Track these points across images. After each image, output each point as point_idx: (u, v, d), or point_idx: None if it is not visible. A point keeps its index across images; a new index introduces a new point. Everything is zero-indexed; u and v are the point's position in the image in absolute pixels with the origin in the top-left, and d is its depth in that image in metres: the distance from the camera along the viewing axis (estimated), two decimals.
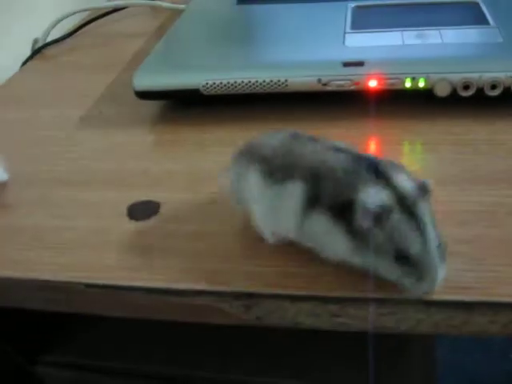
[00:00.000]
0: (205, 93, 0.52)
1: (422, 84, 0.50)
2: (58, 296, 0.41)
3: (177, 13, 0.75)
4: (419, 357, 0.56)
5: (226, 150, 0.49)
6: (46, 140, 0.55)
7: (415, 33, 0.55)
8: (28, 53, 0.75)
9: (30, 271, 0.40)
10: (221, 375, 0.52)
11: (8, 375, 0.56)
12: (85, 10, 0.83)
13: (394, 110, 0.52)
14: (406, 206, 0.32)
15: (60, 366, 0.55)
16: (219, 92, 0.52)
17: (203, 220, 0.42)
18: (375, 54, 0.52)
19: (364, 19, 0.60)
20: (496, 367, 1.21)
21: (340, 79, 0.50)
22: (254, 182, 0.38)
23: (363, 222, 0.33)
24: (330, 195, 0.34)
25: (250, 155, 0.39)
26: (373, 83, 0.50)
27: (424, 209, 0.33)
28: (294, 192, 0.36)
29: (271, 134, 0.39)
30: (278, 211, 0.37)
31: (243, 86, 0.52)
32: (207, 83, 0.52)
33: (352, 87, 0.50)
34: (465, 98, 0.50)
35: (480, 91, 0.50)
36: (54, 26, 0.77)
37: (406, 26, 0.57)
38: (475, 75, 0.49)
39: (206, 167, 0.48)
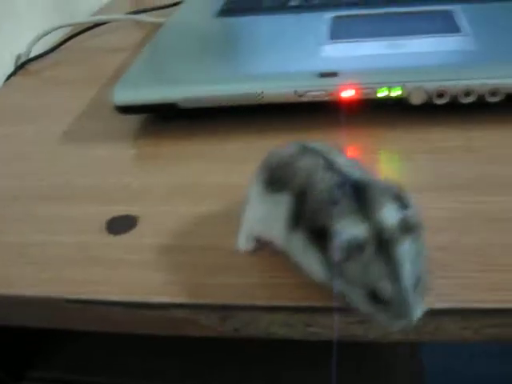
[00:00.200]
0: (183, 107, 0.53)
1: (396, 93, 0.50)
2: (38, 312, 0.41)
3: (159, 27, 0.75)
4: (403, 362, 0.56)
5: (205, 162, 0.51)
6: (30, 155, 0.55)
7: (390, 42, 0.56)
8: (11, 68, 0.76)
9: (11, 287, 0.41)
10: None
11: None
12: (68, 26, 0.83)
13: (370, 119, 0.52)
14: (382, 242, 0.30)
15: (46, 381, 0.55)
16: (197, 105, 0.53)
17: (181, 233, 0.43)
18: (350, 64, 0.53)
19: (341, 30, 0.60)
20: (488, 370, 1.21)
21: (315, 90, 0.51)
22: (256, 189, 0.38)
23: (335, 254, 0.31)
24: (310, 218, 0.34)
25: (261, 163, 0.39)
26: (347, 93, 0.50)
27: (403, 245, 0.31)
28: (285, 204, 0.36)
29: (288, 144, 0.39)
30: (272, 218, 0.37)
31: (221, 99, 0.52)
32: (185, 97, 0.52)
33: (327, 98, 0.51)
34: (439, 106, 0.51)
35: (454, 99, 0.50)
36: (36, 41, 0.78)
37: (382, 36, 0.57)
38: (450, 83, 0.50)
39: (185, 180, 0.48)
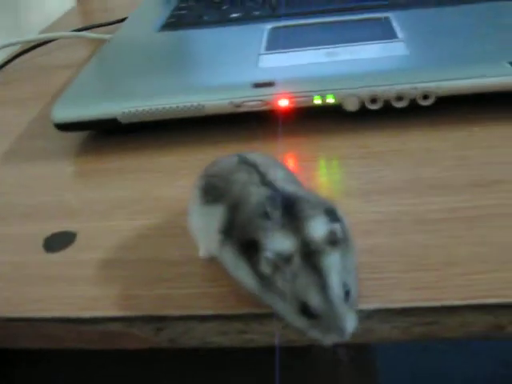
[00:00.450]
0: (123, 121, 0.53)
1: (331, 100, 0.51)
2: None
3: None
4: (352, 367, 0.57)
5: (145, 175, 0.51)
6: None
7: (326, 51, 0.57)
8: None
9: None
10: None
11: None
12: (14, 44, 0.83)
13: (307, 127, 0.53)
14: (309, 254, 0.31)
15: None
16: (137, 120, 0.53)
17: (118, 247, 0.43)
18: (286, 73, 0.54)
19: (279, 40, 0.61)
20: (470, 369, 1.22)
21: (251, 100, 0.51)
22: (194, 197, 0.39)
23: (263, 267, 0.31)
24: (240, 230, 0.34)
25: (200, 174, 0.40)
26: (283, 102, 0.51)
27: (330, 256, 0.31)
28: (218, 216, 0.36)
29: (229, 156, 0.39)
30: (207, 229, 0.37)
31: (160, 112, 0.53)
32: (124, 112, 0.53)
33: (264, 107, 0.52)
34: (374, 112, 0.52)
35: (387, 104, 0.51)
36: None
37: (317, 45, 0.58)
38: (381, 88, 0.51)
39: (123, 194, 0.49)
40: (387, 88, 0.51)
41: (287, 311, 0.32)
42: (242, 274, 0.34)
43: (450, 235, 0.40)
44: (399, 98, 0.51)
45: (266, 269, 0.32)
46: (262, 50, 0.59)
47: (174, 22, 0.71)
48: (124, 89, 0.57)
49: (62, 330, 0.39)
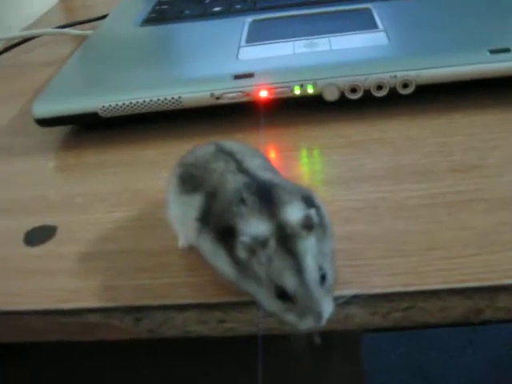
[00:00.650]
0: (103, 116, 0.53)
1: (310, 90, 0.51)
2: None
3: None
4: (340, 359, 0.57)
5: (125, 169, 0.51)
6: None
7: (306, 42, 0.57)
8: None
9: None
10: None
11: None
12: None
13: (288, 118, 0.53)
14: (285, 238, 0.31)
15: None
16: (117, 114, 0.53)
17: (97, 240, 0.43)
18: (266, 65, 0.54)
19: (259, 32, 0.61)
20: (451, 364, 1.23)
21: (231, 92, 0.51)
22: (172, 186, 0.39)
23: (240, 252, 0.32)
24: (217, 218, 0.34)
25: (177, 163, 0.40)
26: (263, 93, 0.51)
27: (305, 240, 0.31)
28: (196, 205, 0.36)
29: (206, 144, 0.39)
30: (185, 218, 0.37)
31: (140, 106, 0.53)
32: (104, 106, 0.53)
33: (244, 99, 0.51)
34: (354, 101, 0.52)
35: (367, 93, 0.51)
36: None
37: (298, 36, 0.58)
38: (361, 78, 0.51)
39: (103, 187, 0.49)
40: (367, 77, 0.51)
41: (264, 296, 0.32)
42: (220, 261, 0.34)
43: (430, 221, 0.40)
44: (379, 87, 0.51)
45: (242, 253, 0.32)
46: (243, 43, 0.59)
47: (156, 17, 0.71)
48: (105, 83, 0.57)
49: (43, 322, 0.38)
